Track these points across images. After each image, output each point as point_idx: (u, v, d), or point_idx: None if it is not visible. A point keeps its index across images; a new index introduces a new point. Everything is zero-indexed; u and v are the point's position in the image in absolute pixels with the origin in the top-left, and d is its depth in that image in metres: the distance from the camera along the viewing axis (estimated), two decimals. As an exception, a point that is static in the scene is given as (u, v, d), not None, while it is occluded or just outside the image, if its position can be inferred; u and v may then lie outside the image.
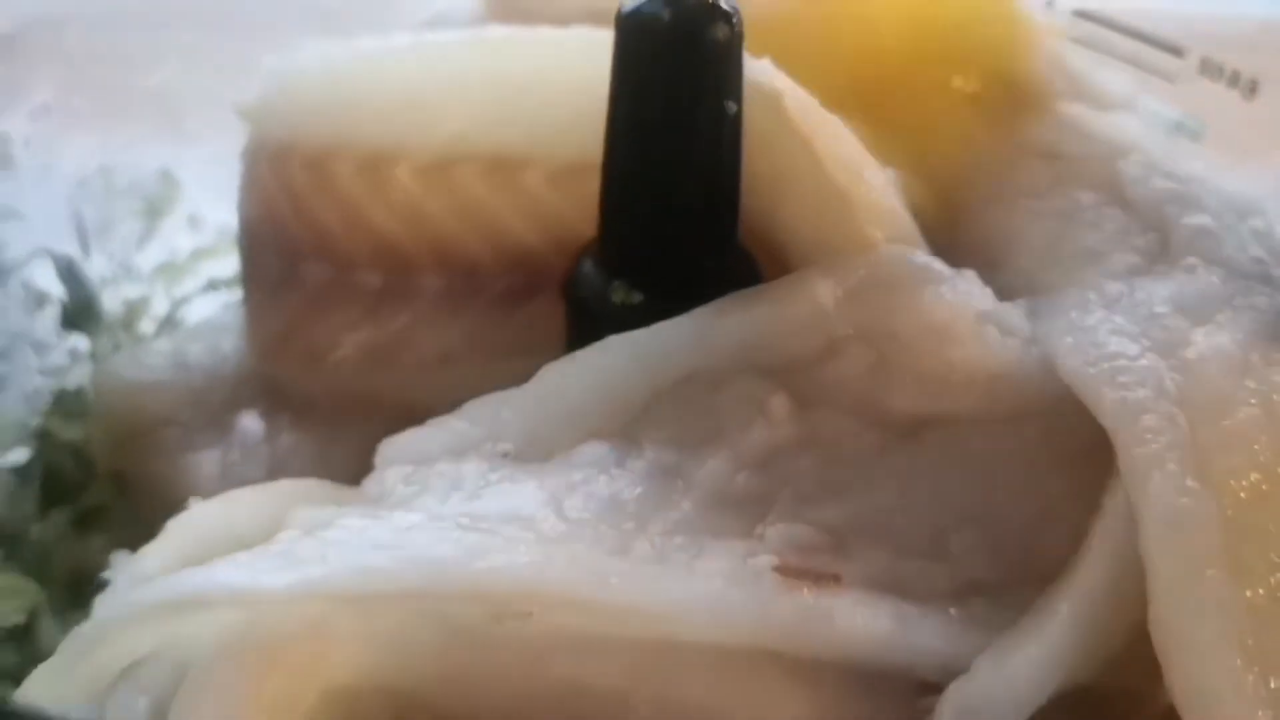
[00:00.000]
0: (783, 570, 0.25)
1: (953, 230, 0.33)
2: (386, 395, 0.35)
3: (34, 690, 0.25)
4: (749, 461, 0.28)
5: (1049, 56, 0.35)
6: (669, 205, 0.30)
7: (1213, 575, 0.24)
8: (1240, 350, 0.27)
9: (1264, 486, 0.25)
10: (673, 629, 0.24)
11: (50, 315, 0.39)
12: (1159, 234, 0.32)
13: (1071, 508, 0.26)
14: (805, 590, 0.25)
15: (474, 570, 0.24)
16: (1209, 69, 0.36)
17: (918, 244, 0.31)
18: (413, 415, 0.31)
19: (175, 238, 0.43)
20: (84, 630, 0.25)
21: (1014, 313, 0.29)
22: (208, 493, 0.31)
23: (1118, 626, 0.25)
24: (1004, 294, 0.30)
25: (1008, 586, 0.26)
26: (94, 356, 0.40)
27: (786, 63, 0.31)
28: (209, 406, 0.38)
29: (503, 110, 0.34)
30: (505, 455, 0.29)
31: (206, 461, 0.38)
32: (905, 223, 0.31)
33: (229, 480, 0.36)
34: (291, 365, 0.38)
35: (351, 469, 0.31)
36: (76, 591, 0.35)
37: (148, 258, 0.42)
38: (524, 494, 0.27)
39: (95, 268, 0.41)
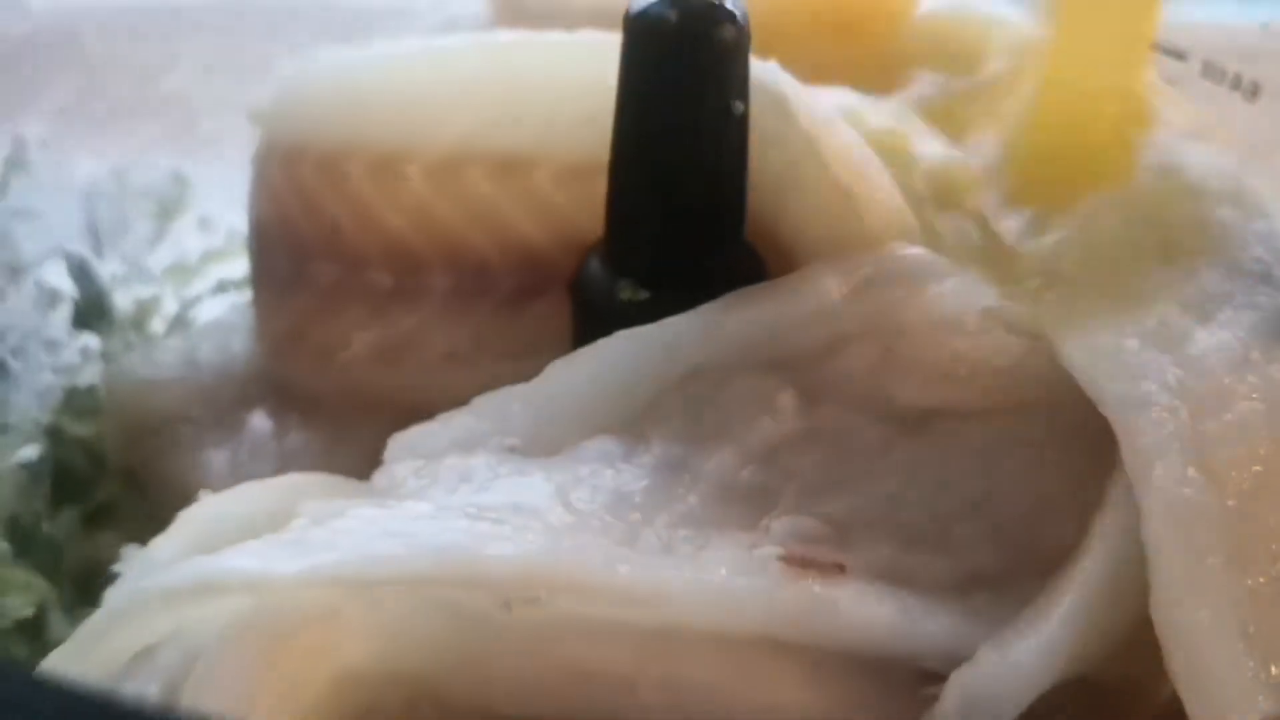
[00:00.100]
0: (788, 560, 0.25)
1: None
2: (395, 394, 0.36)
3: (47, 677, 0.25)
4: (755, 455, 0.28)
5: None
6: (676, 204, 0.31)
7: (1214, 564, 0.24)
8: (1242, 346, 0.28)
9: (1265, 478, 0.26)
10: (679, 616, 0.24)
11: (63, 314, 0.40)
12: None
13: (1074, 499, 0.27)
14: (810, 580, 0.25)
15: (483, 557, 0.24)
16: (1211, 72, 0.36)
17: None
18: (421, 414, 0.31)
19: (186, 239, 0.43)
20: (96, 617, 0.26)
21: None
22: (218, 490, 0.31)
23: (1120, 616, 0.25)
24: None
25: (1011, 577, 0.26)
26: (105, 355, 0.40)
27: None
28: (219, 404, 0.39)
29: (511, 111, 0.34)
30: (513, 450, 0.29)
31: (216, 459, 0.38)
32: (910, 221, 0.31)
33: (239, 478, 0.36)
34: (301, 364, 0.38)
35: (360, 467, 0.31)
36: (87, 587, 0.35)
37: (159, 259, 0.43)
38: (531, 486, 0.27)
39: (107, 268, 0.41)
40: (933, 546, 0.27)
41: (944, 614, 0.25)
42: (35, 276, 0.39)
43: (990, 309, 0.29)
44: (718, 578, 0.24)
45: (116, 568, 0.29)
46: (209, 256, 0.44)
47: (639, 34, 0.30)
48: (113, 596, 0.27)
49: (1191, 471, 0.25)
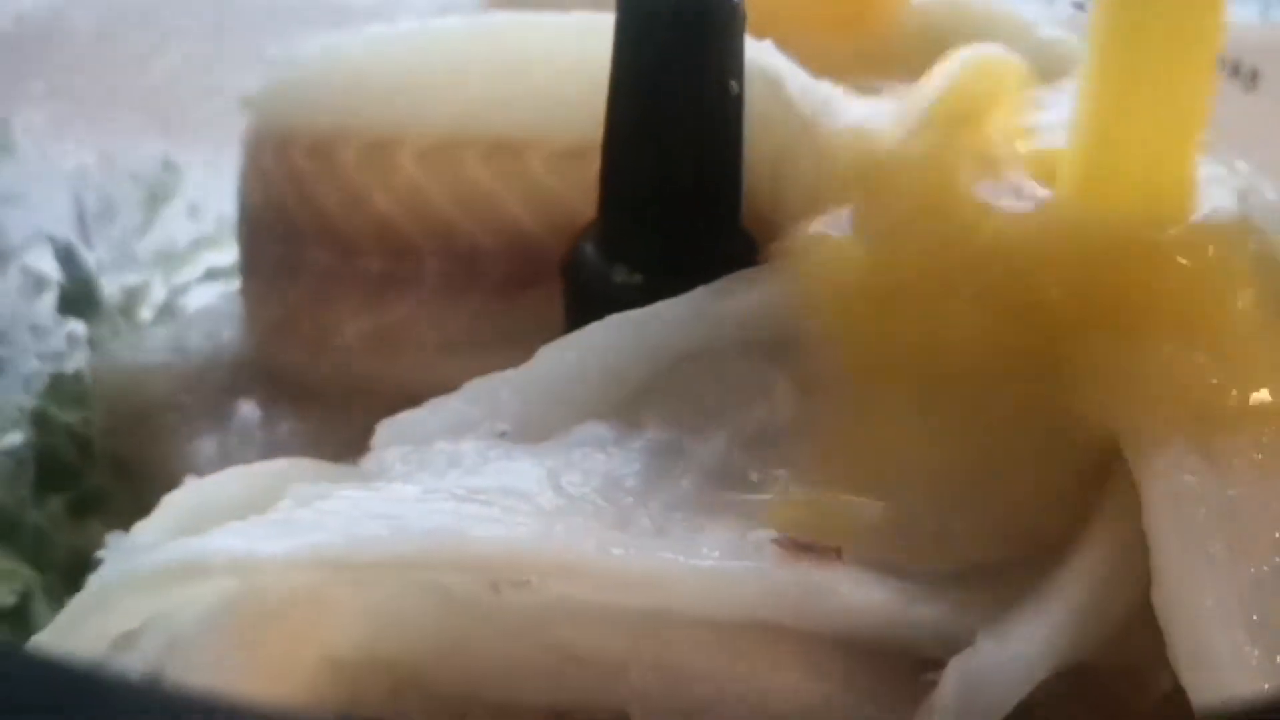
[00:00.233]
0: (783, 544, 0.25)
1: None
2: (387, 382, 0.35)
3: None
4: (749, 440, 0.28)
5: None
6: (670, 186, 0.30)
7: (1217, 552, 0.24)
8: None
9: (1267, 465, 0.25)
10: (672, 599, 0.24)
11: (49, 300, 0.39)
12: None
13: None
14: (806, 563, 0.24)
15: (472, 538, 0.24)
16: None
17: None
18: (413, 402, 0.31)
19: (175, 226, 0.43)
20: (77, 601, 0.25)
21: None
22: (205, 477, 0.31)
23: (1121, 604, 0.25)
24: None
25: (1011, 564, 0.26)
26: (92, 342, 0.40)
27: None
28: (208, 392, 0.38)
29: (503, 94, 0.34)
30: (503, 435, 0.29)
31: (205, 447, 0.38)
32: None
33: (227, 466, 0.36)
34: (291, 352, 0.38)
35: (350, 456, 0.31)
36: (73, 576, 0.35)
37: (147, 245, 0.42)
38: (521, 470, 0.27)
39: (95, 254, 0.41)
40: (931, 533, 0.26)
41: (942, 600, 0.25)
42: (21, 262, 0.38)
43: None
44: (712, 561, 0.24)
45: (100, 554, 0.29)
46: (198, 244, 0.43)
47: (633, 11, 0.29)
48: (94, 581, 0.26)
49: (1194, 458, 0.25)
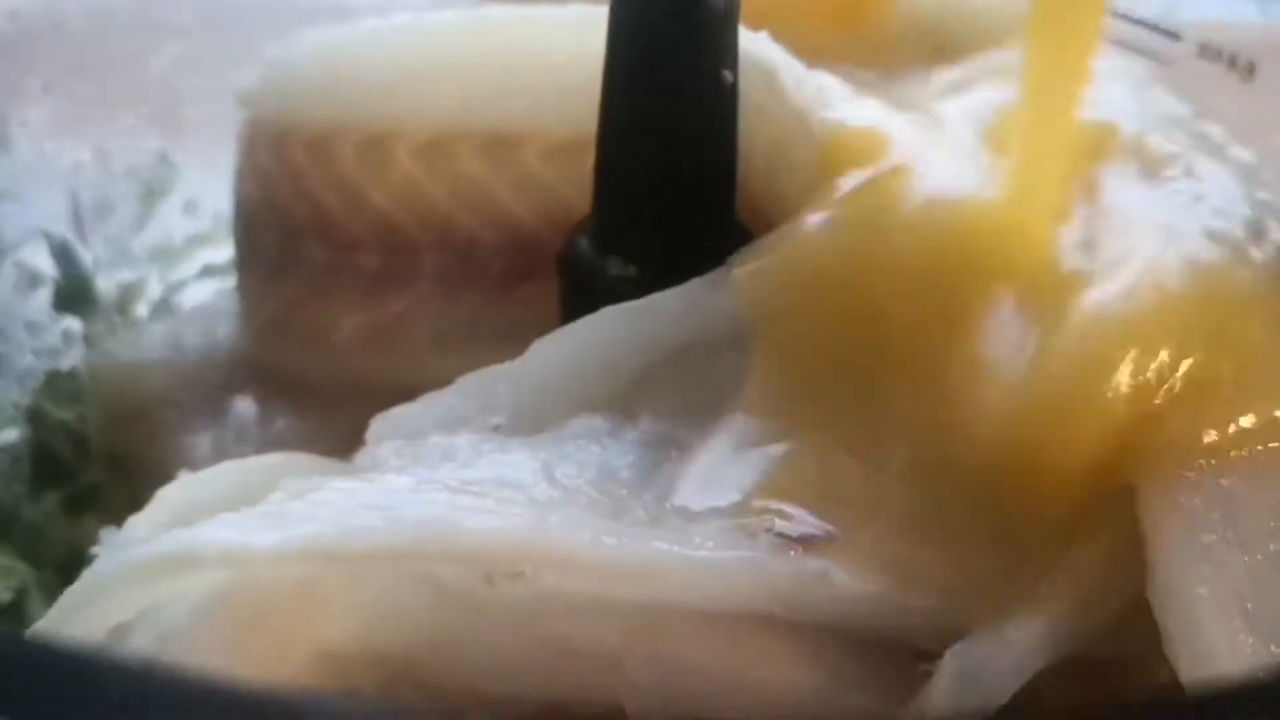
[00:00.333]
0: (776, 534, 0.25)
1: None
2: (384, 378, 0.35)
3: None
4: (744, 431, 0.28)
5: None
6: (665, 179, 0.30)
7: (1211, 541, 0.24)
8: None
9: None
10: (667, 589, 0.24)
11: (44, 297, 0.39)
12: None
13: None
14: (801, 553, 0.24)
15: (465, 529, 0.24)
16: (1207, 52, 0.36)
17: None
18: (409, 398, 0.31)
19: (171, 223, 0.43)
20: (70, 594, 0.25)
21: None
22: (200, 472, 0.31)
23: (1117, 595, 0.25)
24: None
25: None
26: (88, 339, 0.40)
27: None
28: (204, 389, 0.38)
29: (499, 87, 0.34)
30: (498, 429, 0.29)
31: (200, 444, 0.38)
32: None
33: (223, 461, 0.36)
34: (288, 348, 0.38)
35: (346, 452, 0.31)
36: (69, 572, 0.35)
37: (143, 242, 0.42)
38: (516, 463, 0.27)
39: (91, 251, 0.41)
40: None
41: (939, 590, 0.25)
42: (16, 258, 0.38)
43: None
44: (706, 551, 0.24)
45: (95, 550, 0.29)
46: (194, 240, 0.43)
47: (627, 1, 0.29)
48: (88, 575, 0.26)
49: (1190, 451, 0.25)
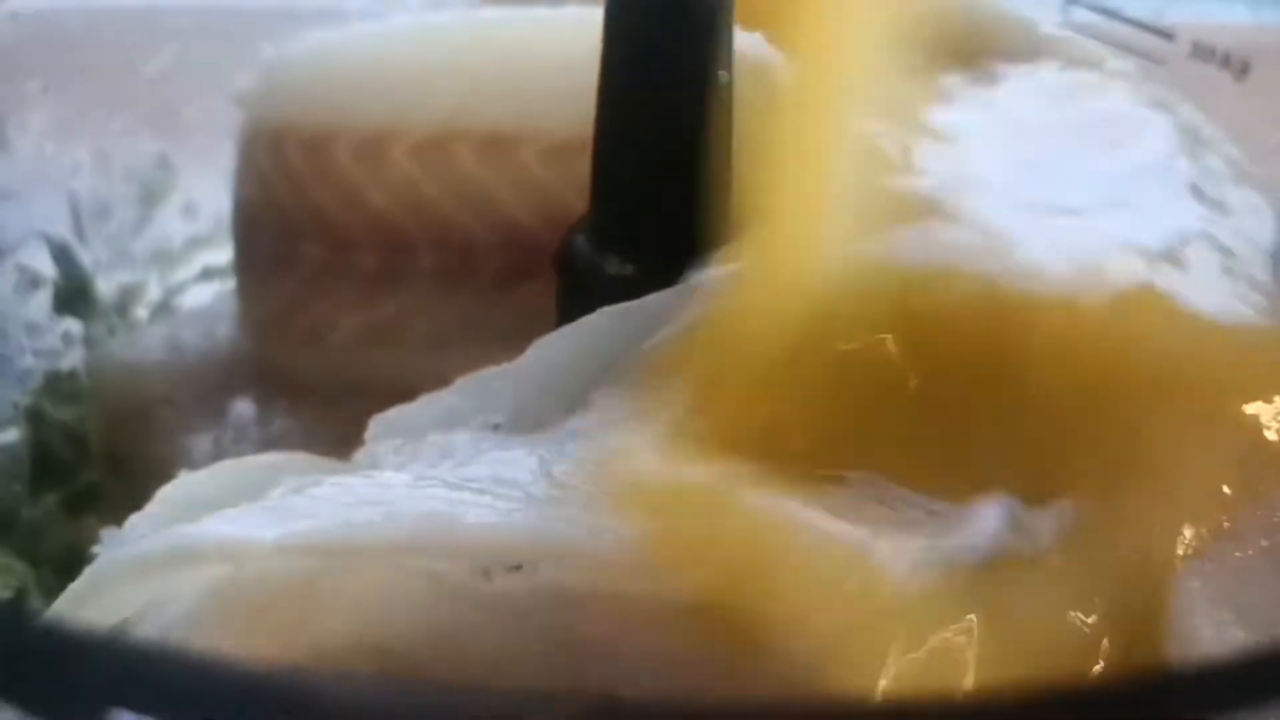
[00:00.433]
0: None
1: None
2: (382, 377, 0.35)
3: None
4: (741, 428, 0.28)
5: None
6: (662, 177, 0.30)
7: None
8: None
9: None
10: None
11: (44, 298, 0.39)
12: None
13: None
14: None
15: (464, 524, 0.24)
16: (1200, 51, 0.36)
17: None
18: (408, 398, 0.31)
19: (170, 225, 0.43)
20: (71, 591, 0.25)
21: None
22: (200, 473, 0.31)
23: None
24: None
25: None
26: (87, 341, 0.40)
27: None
28: (203, 389, 0.38)
29: (496, 88, 0.34)
30: (496, 428, 0.29)
31: (200, 444, 0.38)
32: (897, 194, 0.31)
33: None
34: (287, 348, 0.38)
35: (345, 452, 0.31)
36: (69, 572, 0.35)
37: (143, 244, 0.42)
38: (514, 460, 0.27)
39: (90, 253, 0.41)
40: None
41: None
42: (16, 260, 0.39)
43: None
44: (702, 545, 0.24)
45: (95, 549, 0.29)
46: (194, 242, 0.44)
47: (622, 1, 0.29)
48: (88, 570, 0.26)
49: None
